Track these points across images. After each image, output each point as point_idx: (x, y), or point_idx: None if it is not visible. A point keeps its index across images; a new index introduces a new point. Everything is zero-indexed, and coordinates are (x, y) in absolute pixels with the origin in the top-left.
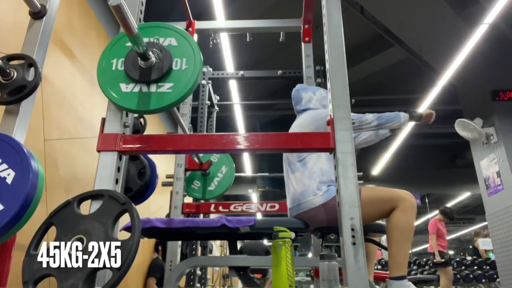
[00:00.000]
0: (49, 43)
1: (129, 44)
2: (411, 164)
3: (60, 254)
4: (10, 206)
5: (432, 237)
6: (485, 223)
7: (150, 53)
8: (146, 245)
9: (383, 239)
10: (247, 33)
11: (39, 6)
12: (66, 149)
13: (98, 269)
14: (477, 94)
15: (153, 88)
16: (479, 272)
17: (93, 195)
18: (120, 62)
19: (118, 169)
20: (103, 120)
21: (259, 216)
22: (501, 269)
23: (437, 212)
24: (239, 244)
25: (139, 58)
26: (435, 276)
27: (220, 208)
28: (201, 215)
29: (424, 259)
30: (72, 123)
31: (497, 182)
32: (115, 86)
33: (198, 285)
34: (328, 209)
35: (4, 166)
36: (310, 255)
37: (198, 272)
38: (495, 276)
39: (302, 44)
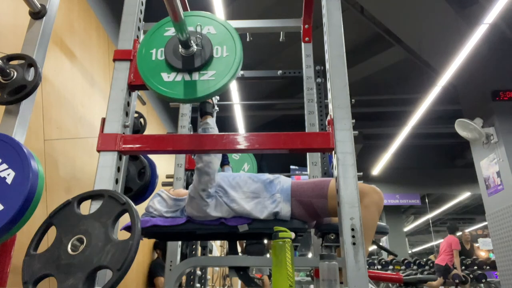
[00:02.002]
0: (49, 43)
1: (167, 33)
2: (411, 164)
3: (60, 254)
4: (10, 206)
5: (456, 254)
6: (485, 223)
7: (192, 41)
8: (146, 245)
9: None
10: (247, 33)
11: (39, 6)
12: (66, 149)
13: (98, 269)
14: (477, 94)
15: (195, 76)
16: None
17: (93, 195)
18: (160, 52)
19: (118, 169)
20: (103, 120)
21: None
22: (501, 269)
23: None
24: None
25: (180, 47)
26: (435, 276)
27: None
28: None
29: (424, 259)
30: (72, 123)
31: (497, 182)
32: (156, 76)
33: (198, 285)
34: None
35: (4, 166)
36: (310, 255)
37: (198, 272)
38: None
39: (302, 44)
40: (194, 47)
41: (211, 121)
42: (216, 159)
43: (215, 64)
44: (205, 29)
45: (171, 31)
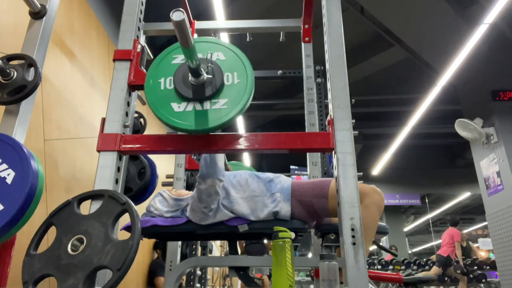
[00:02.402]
0: (49, 43)
1: (175, 61)
2: (411, 164)
3: (60, 254)
4: (10, 206)
5: (457, 246)
6: (485, 223)
7: (202, 69)
8: (146, 245)
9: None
10: (247, 33)
11: (39, 6)
12: (66, 149)
13: (98, 269)
14: (477, 94)
15: (207, 105)
16: (479, 272)
17: (93, 195)
18: (169, 81)
19: (118, 169)
20: (103, 120)
21: None
22: (501, 269)
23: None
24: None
25: (190, 75)
26: (435, 276)
27: None
28: None
29: (424, 259)
30: (72, 123)
31: (497, 182)
32: (166, 106)
33: (198, 285)
34: None
35: (4, 166)
36: (310, 255)
37: (198, 272)
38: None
39: (302, 44)
40: (205, 75)
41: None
42: (219, 181)
43: (227, 92)
44: (214, 56)
45: (178, 59)
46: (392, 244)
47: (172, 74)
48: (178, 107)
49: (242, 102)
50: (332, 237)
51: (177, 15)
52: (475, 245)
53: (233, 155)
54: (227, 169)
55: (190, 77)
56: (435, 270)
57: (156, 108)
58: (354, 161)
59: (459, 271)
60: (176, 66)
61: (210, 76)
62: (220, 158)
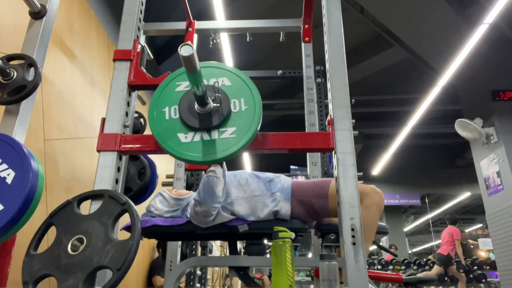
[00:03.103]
0: (49, 43)
1: (179, 89)
2: (411, 164)
3: (60, 254)
4: (10, 206)
5: (458, 244)
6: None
7: (208, 97)
8: (146, 245)
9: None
10: (247, 33)
11: (39, 6)
12: (66, 149)
13: (98, 269)
14: (477, 94)
15: (215, 135)
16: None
17: (93, 195)
18: (173, 110)
19: (118, 169)
20: (103, 120)
21: None
22: (501, 269)
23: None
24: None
25: (195, 103)
26: (435, 276)
27: None
28: None
29: (424, 259)
30: (72, 123)
31: (497, 182)
32: (172, 137)
33: (198, 285)
34: None
35: (4, 166)
36: (310, 255)
37: (198, 272)
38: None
39: (302, 44)
40: (211, 103)
41: (219, 171)
42: (214, 208)
43: (234, 120)
44: (220, 81)
45: (182, 86)
46: (392, 243)
47: (176, 102)
48: (185, 137)
49: (251, 131)
50: (332, 237)
51: (185, 50)
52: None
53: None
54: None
55: (196, 106)
56: (436, 270)
57: (162, 140)
58: (354, 161)
59: (461, 270)
60: (181, 94)
61: (217, 104)
62: (219, 184)
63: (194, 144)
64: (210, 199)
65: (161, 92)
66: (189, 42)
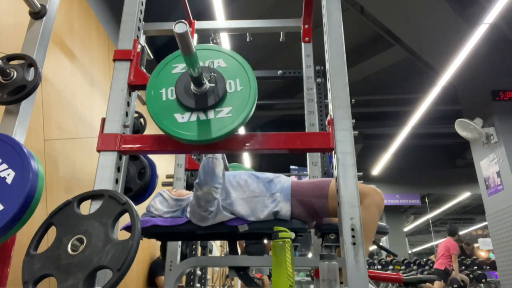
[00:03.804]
0: (49, 43)
1: (175, 71)
2: (411, 164)
3: (60, 254)
4: (10, 206)
5: (454, 259)
6: (485, 223)
7: (204, 78)
8: (146, 245)
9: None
10: (247, 33)
11: (39, 6)
12: (66, 149)
13: (98, 269)
14: (477, 94)
15: (211, 114)
16: (479, 272)
17: (93, 195)
18: (170, 91)
19: (118, 169)
20: (103, 120)
21: None
22: (501, 269)
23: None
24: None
25: (192, 84)
26: (435, 276)
27: None
28: None
29: (424, 259)
30: (72, 123)
31: (497, 182)
32: (169, 117)
33: (198, 285)
34: None
35: (4, 166)
36: (310, 255)
37: (198, 272)
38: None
39: (302, 44)
40: (207, 84)
41: (218, 154)
42: (216, 189)
43: (230, 100)
44: (215, 63)
45: (179, 68)
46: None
47: (173, 84)
48: (181, 117)
49: (246, 110)
50: (332, 237)
51: (180, 27)
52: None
53: (233, 155)
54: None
55: (192, 87)
56: (438, 285)
57: (159, 120)
58: (354, 161)
59: (455, 286)
60: (177, 76)
61: (213, 84)
62: (218, 165)
63: (190, 124)
64: (211, 180)
65: (158, 74)
66: (183, 20)
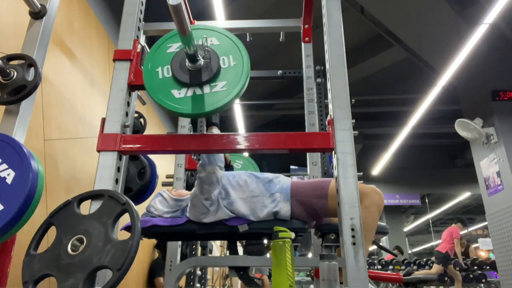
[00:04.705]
0: (49, 43)
1: (170, 50)
2: (411, 164)
3: (60, 254)
4: (10, 206)
5: (457, 243)
6: (485, 223)
7: (199, 54)
8: (146, 245)
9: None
10: (247, 33)
11: (39, 6)
12: (66, 149)
13: (98, 269)
14: (477, 94)
15: (206, 89)
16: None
17: (93, 195)
18: (166, 70)
19: (118, 169)
20: (103, 120)
21: None
22: (501, 269)
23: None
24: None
25: (187, 61)
26: (435, 276)
27: None
28: None
29: (424, 259)
30: (72, 123)
31: (497, 182)
32: (167, 93)
33: (198, 285)
34: None
35: (4, 166)
36: (310, 255)
37: (198, 272)
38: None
39: (302, 44)
40: (202, 60)
41: (216, 131)
42: (219, 168)
43: (224, 75)
44: (209, 41)
45: (173, 47)
46: (396, 245)
47: (168, 62)
48: (178, 93)
49: (240, 83)
50: (332, 237)
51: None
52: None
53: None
54: (226, 160)
55: (188, 63)
56: (436, 268)
57: (157, 96)
58: (354, 161)
59: (457, 268)
60: (172, 55)
61: (207, 60)
62: None
63: (187, 99)
64: (214, 159)
65: (153, 53)
66: None
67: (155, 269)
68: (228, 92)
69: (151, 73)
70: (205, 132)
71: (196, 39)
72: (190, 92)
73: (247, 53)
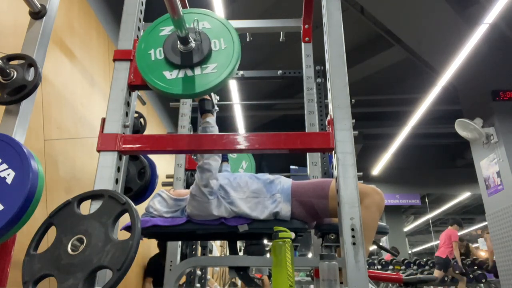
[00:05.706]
0: (49, 43)
1: (163, 33)
2: (411, 164)
3: (60, 254)
4: (10, 206)
5: (455, 246)
6: (485, 223)
7: (190, 37)
8: (146, 245)
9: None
10: (247, 33)
11: (39, 6)
12: (66, 149)
13: (98, 269)
14: (477, 94)
15: (197, 71)
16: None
17: (93, 195)
18: (158, 52)
19: (118, 169)
20: (103, 120)
21: None
22: (501, 269)
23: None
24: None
25: (179, 43)
26: (435, 276)
27: None
28: None
29: (424, 259)
30: (72, 123)
31: (497, 182)
32: (159, 75)
33: (198, 285)
34: None
35: (4, 166)
36: (310, 255)
37: (198, 272)
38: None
39: (302, 44)
40: (193, 43)
41: (212, 119)
42: (217, 156)
43: (216, 57)
44: (200, 25)
45: (166, 31)
46: (392, 246)
47: (161, 45)
48: (170, 74)
49: (231, 66)
50: (332, 237)
51: None
52: (475, 245)
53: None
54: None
55: (179, 45)
56: (437, 273)
57: (148, 77)
58: (354, 161)
59: (457, 272)
60: (164, 38)
61: (198, 43)
62: (214, 132)
63: (178, 80)
64: None
65: (146, 36)
66: None
67: (148, 269)
68: (219, 74)
69: (144, 55)
70: (200, 121)
71: (189, 23)
72: (181, 74)
73: (238, 37)
